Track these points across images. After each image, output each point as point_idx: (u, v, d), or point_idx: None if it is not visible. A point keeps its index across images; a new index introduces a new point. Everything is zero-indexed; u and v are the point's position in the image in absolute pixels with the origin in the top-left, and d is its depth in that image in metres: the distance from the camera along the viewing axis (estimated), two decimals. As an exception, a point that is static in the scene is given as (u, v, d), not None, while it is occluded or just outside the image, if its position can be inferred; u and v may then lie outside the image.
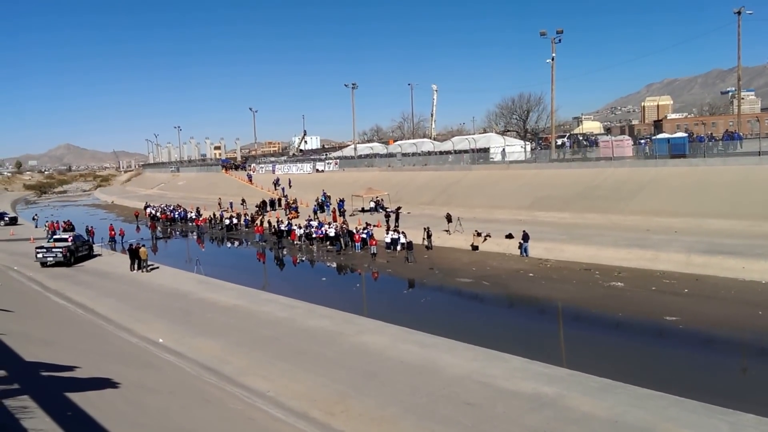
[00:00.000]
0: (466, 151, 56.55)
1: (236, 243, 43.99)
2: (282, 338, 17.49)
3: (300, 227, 39.72)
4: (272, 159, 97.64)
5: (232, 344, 17.06)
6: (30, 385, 8.92)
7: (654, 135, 64.54)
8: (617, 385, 12.76)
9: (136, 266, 29.90)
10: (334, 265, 32.45)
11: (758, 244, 24.89)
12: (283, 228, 40.70)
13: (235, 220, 49.00)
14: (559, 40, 47.43)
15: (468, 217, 37.00)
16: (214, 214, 52.52)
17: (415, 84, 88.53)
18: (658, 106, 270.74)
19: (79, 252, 33.90)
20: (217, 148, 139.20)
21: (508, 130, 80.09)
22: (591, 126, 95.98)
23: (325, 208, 49.33)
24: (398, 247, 32.87)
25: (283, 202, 55.77)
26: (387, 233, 34.66)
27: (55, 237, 35.26)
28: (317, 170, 72.56)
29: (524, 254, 29.34)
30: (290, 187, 64.29)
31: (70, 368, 10.84)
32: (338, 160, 73.63)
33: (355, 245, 34.43)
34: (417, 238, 32.97)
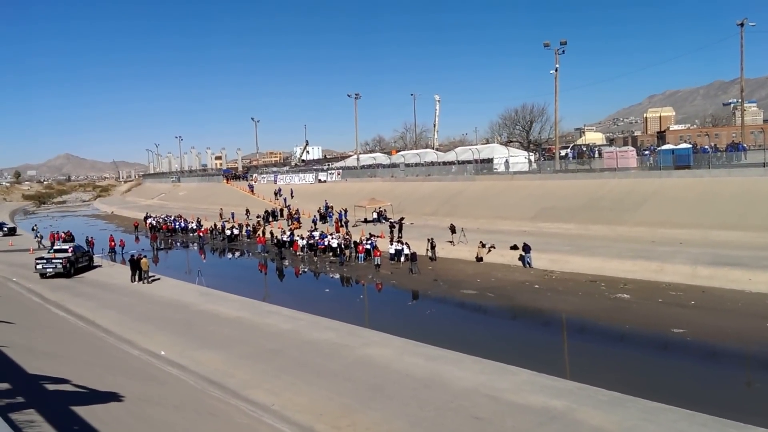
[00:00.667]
0: (469, 162, 56.68)
1: (238, 254, 43.97)
2: (286, 351, 17.43)
3: (302, 238, 39.72)
4: (274, 169, 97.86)
5: (235, 357, 16.99)
6: (35, 398, 8.89)
7: (657, 146, 64.65)
8: (626, 398, 12.69)
9: (136, 277, 29.87)
10: (338, 276, 32.41)
11: (764, 255, 24.85)
12: (285, 239, 40.71)
13: (236, 231, 49.02)
14: (563, 51, 47.70)
15: (472, 228, 36.99)
16: (216, 225, 52.56)
17: (417, 94, 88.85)
18: (660, 117, 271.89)
19: (79, 263, 33.87)
20: (219, 158, 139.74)
21: (512, 141, 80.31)
22: (593, 137, 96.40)
23: (328, 218, 49.35)
24: (402, 259, 32.85)
25: (285, 213, 55.83)
26: (391, 244, 34.65)
27: (54, 248, 35.25)
28: (319, 180, 72.69)
29: (526, 265, 29.31)
30: (292, 197, 64.39)
31: (74, 381, 10.80)
32: (341, 171, 73.80)
33: (359, 256, 34.40)
34: (420, 249, 32.96)
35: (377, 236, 36.77)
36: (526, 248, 29.51)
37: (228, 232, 48.83)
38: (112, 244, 43.25)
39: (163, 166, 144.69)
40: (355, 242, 35.76)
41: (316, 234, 39.82)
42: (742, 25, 46.06)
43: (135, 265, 30.06)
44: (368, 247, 34.17)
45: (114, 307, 24.60)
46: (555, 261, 28.96)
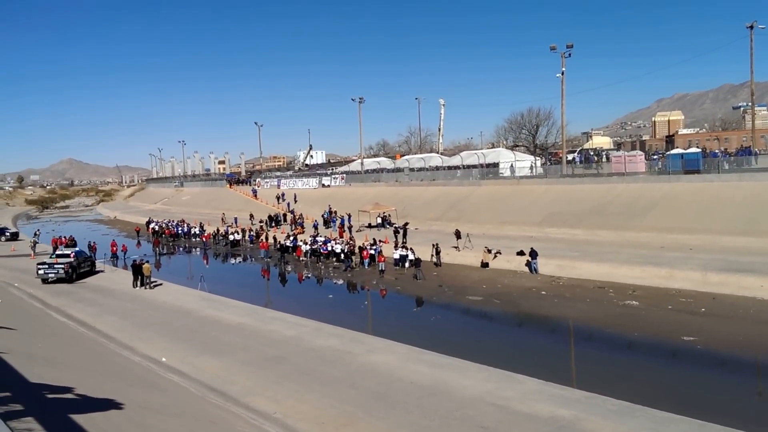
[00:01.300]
0: (475, 166, 56.58)
1: (241, 259, 43.98)
2: (289, 357, 17.36)
3: (306, 243, 39.70)
4: (277, 174, 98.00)
5: (237, 364, 16.94)
6: (34, 406, 8.85)
7: (666, 150, 64.43)
8: (636, 408, 12.54)
9: (139, 283, 29.90)
10: (341, 282, 32.34)
11: (777, 262, 24.63)
12: (288, 244, 40.69)
13: (239, 236, 49.04)
14: (569, 55, 47.60)
15: (477, 234, 36.87)
16: (218, 230, 52.61)
17: (422, 98, 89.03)
18: (669, 121, 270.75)
19: (81, 268, 33.93)
20: (222, 162, 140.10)
21: (518, 145, 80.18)
22: (601, 141, 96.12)
23: (332, 223, 49.31)
24: (406, 264, 32.75)
25: (288, 218, 55.84)
26: (395, 250, 34.57)
27: (56, 253, 35.34)
28: (323, 185, 72.72)
29: (533, 271, 29.17)
30: (296, 202, 64.43)
31: (74, 388, 10.75)
32: (344, 175, 73.81)
33: (363, 261, 34.30)
34: (425, 254, 32.86)
35: (381, 241, 36.69)
36: (533, 254, 29.37)
37: (231, 237, 48.84)
38: (114, 249, 43.34)
39: (166, 171, 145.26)
40: (359, 248, 35.69)
41: (320, 239, 39.78)
42: (751, 27, 45.86)
43: (137, 270, 30.10)
44: (372, 252, 34.09)
45: (115, 313, 24.61)
46: (562, 267, 28.80)
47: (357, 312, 26.13)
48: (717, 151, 49.63)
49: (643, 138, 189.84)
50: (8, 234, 59.45)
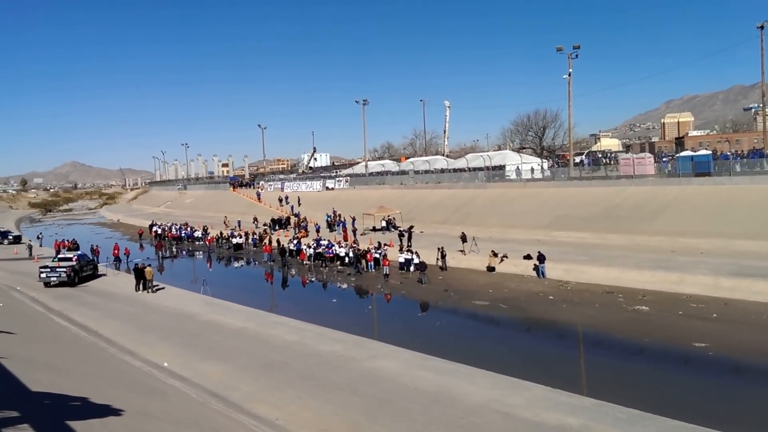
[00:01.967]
0: (480, 169, 56.45)
1: (244, 263, 43.98)
2: (292, 363, 17.27)
3: (309, 246, 39.66)
4: (281, 176, 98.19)
5: (239, 369, 16.86)
6: (30, 412, 8.78)
7: (676, 152, 64.10)
8: (646, 416, 12.37)
9: (141, 287, 29.92)
10: (345, 286, 32.26)
11: (790, 266, 24.39)
12: (292, 248, 40.66)
13: (241, 240, 49.05)
14: (576, 56, 47.49)
15: (483, 237, 36.74)
16: (222, 233, 52.67)
17: (427, 100, 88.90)
18: (678, 122, 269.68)
19: (83, 272, 34.02)
20: (225, 165, 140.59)
21: (524, 148, 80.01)
22: (609, 143, 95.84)
23: (336, 227, 49.30)
24: (411, 268, 32.63)
25: (292, 221, 55.85)
26: (400, 253, 34.46)
27: (59, 256, 35.43)
28: (327, 188, 72.76)
29: (541, 276, 29.00)
30: (299, 205, 64.48)
31: (73, 394, 10.70)
32: (349, 178, 73.83)
33: (368, 265, 34.18)
34: (430, 258, 32.75)
35: (386, 245, 36.61)
36: (541, 258, 29.20)
37: (234, 241, 48.87)
38: (117, 252, 43.47)
39: (170, 174, 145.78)
40: (364, 251, 35.60)
41: (324, 242, 39.73)
42: (762, 27, 45.57)
43: (139, 274, 30.14)
44: (377, 256, 34.00)
45: (117, 317, 24.60)
46: (570, 271, 28.62)
47: (361, 317, 26.03)
48: (728, 153, 49.30)
49: (653, 140, 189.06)
50: (11, 237, 59.79)
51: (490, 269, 31.51)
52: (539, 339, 21.81)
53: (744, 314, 21.07)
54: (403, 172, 67.59)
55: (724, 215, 32.26)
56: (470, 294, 27.35)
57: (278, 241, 44.12)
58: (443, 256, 32.97)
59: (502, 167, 54.83)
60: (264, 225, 55.25)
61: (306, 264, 38.61)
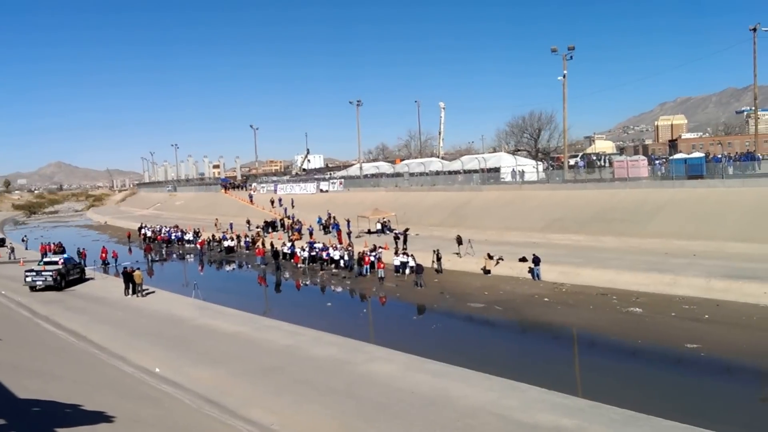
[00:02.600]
0: (476, 171, 56.71)
1: (236, 266, 43.93)
2: (286, 367, 17.33)
3: (303, 249, 39.70)
4: (274, 178, 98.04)
5: (233, 374, 16.90)
6: (19, 420, 8.78)
7: (669, 155, 64.66)
8: (640, 417, 12.55)
9: (130, 291, 29.82)
10: (340, 289, 32.33)
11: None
12: (286, 250, 40.66)
13: (233, 243, 48.94)
14: (571, 57, 47.87)
15: (479, 240, 36.94)
16: (213, 236, 52.55)
17: (422, 101, 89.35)
18: (672, 125, 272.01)
19: (70, 275, 33.82)
20: (216, 166, 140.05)
21: (519, 150, 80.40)
22: (603, 146, 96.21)
23: (332, 229, 49.35)
24: (407, 271, 32.76)
25: (286, 223, 55.82)
26: (395, 256, 34.58)
27: (45, 260, 35.21)
28: (321, 190, 72.78)
29: (536, 278, 29.23)
30: (293, 207, 64.47)
31: (62, 401, 10.68)
32: (343, 180, 73.91)
33: (364, 268, 34.23)
34: (426, 261, 32.89)
35: (381, 248, 36.72)
36: (536, 260, 29.43)
37: (226, 244, 48.77)
38: (105, 255, 43.25)
39: (159, 175, 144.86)
40: (360, 254, 35.66)
41: (318, 245, 39.78)
42: (755, 30, 46.12)
43: (128, 277, 30.01)
44: (373, 259, 34.09)
45: (106, 322, 24.52)
46: (565, 273, 28.86)
47: (356, 320, 26.10)
48: (720, 155, 49.79)
49: (646, 142, 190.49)
50: (-5, 240, 59.28)
51: (486, 272, 31.71)
52: (534, 341, 22.00)
53: (735, 316, 21.37)
54: (398, 175, 67.75)
55: (716, 218, 32.64)
56: (466, 296, 27.51)
57: (271, 244, 44.12)
58: (439, 259, 33.12)
59: (497, 170, 55.11)
60: (257, 227, 55.18)
61: (300, 267, 38.64)
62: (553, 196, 44.71)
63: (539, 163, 60.64)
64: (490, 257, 32.07)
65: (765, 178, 35.35)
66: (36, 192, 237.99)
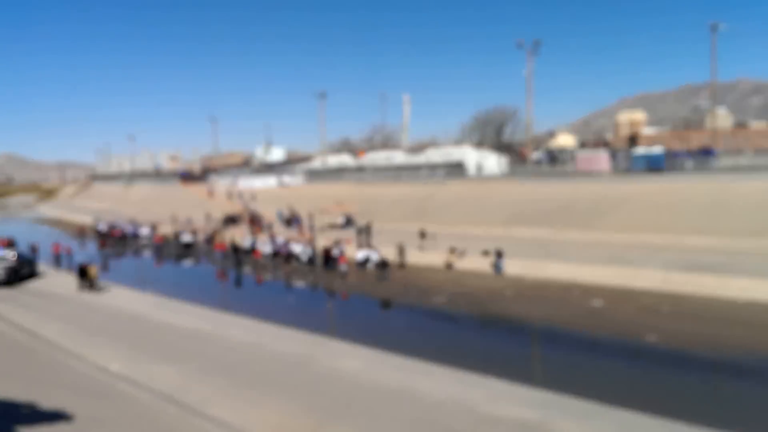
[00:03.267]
0: (440, 165, 57.12)
1: (195, 261, 43.21)
2: (249, 364, 17.21)
3: (264, 244, 39.31)
4: (234, 171, 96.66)
5: (193, 371, 16.68)
6: (-27, 420, 8.53)
7: (629, 149, 66.52)
8: (602, 408, 12.97)
9: (84, 286, 29.07)
10: (302, 284, 32.18)
11: (736, 261, 25.76)
12: (247, 245, 40.19)
13: (190, 238, 48.00)
14: (536, 51, 48.69)
15: (444, 234, 37.29)
16: (171, 230, 51.51)
17: (386, 93, 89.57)
18: (631, 120, 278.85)
19: (21, 271, 32.77)
20: (174, 158, 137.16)
21: (483, 143, 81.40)
22: (565, 140, 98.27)
23: (294, 223, 49.01)
24: (370, 265, 32.83)
25: (246, 217, 55.14)
26: (358, 250, 34.59)
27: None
28: (283, 184, 72.12)
29: (498, 272, 29.71)
30: (254, 200, 63.72)
31: (17, 400, 10.40)
32: (305, 173, 73.38)
33: (328, 262, 34.11)
34: (389, 255, 33.03)
35: (344, 242, 36.66)
36: (499, 254, 29.91)
37: (184, 239, 47.85)
38: (58, 250, 42.00)
39: (114, 168, 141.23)
40: (324, 249, 35.53)
41: (280, 240, 39.45)
42: (714, 28, 47.81)
43: (83, 273, 29.28)
44: (336, 253, 34.03)
45: (61, 319, 23.86)
46: (528, 267, 29.41)
47: (319, 315, 26.06)
48: (678, 151, 51.55)
49: (607, 136, 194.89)
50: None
51: (449, 266, 32.05)
52: (498, 335, 22.41)
53: (693, 307, 22.22)
54: (361, 169, 67.70)
55: (676, 211, 33.74)
56: (429, 291, 27.77)
57: (232, 239, 43.54)
58: (402, 253, 33.29)
59: (461, 164, 55.68)
60: (217, 222, 54.35)
61: (261, 262, 38.27)
62: (516, 189, 45.45)
63: (502, 156, 61.55)
64: (453, 251, 32.42)
65: (722, 173, 36.74)
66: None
